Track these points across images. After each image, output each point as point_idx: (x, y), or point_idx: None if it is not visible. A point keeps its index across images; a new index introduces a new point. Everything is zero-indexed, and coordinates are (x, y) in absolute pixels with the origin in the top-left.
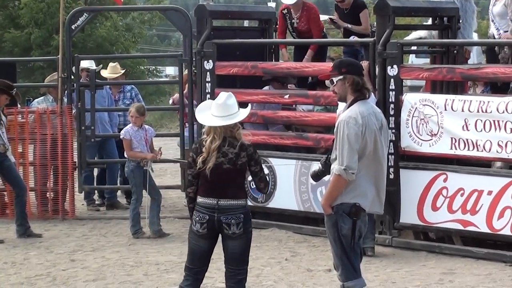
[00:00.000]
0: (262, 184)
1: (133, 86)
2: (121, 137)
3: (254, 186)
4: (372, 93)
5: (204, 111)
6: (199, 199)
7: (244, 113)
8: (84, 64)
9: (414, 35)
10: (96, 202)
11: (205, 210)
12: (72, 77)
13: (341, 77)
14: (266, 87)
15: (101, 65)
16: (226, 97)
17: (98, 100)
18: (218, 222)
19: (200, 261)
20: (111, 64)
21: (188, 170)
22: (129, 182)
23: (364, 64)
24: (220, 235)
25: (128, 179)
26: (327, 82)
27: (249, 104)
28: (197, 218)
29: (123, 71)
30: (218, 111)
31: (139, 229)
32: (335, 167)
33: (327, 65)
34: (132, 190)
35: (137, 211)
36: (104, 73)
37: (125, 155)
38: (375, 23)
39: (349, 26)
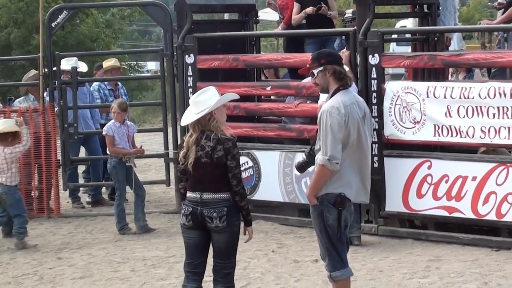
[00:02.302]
0: (235, 181)
1: (121, 83)
2: (103, 133)
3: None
4: (354, 83)
5: (187, 112)
6: (187, 194)
7: (214, 104)
8: (66, 66)
9: (401, 23)
10: (87, 200)
11: (190, 203)
12: (54, 75)
13: (321, 68)
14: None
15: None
16: (198, 93)
17: (79, 97)
18: (201, 215)
19: (196, 253)
20: (114, 59)
21: (177, 166)
22: (112, 178)
23: (345, 53)
24: None
25: (111, 175)
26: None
27: (231, 93)
28: (183, 211)
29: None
30: (193, 108)
31: (125, 225)
32: (319, 157)
33: (309, 55)
34: (115, 186)
35: (122, 207)
36: (107, 63)
37: (107, 152)
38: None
39: (331, 13)
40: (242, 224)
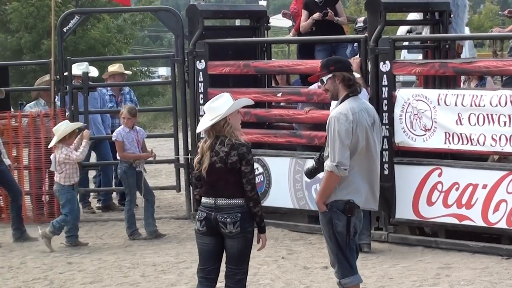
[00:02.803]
0: (249, 186)
1: (130, 88)
2: (113, 139)
3: (243, 188)
4: (365, 89)
5: (203, 118)
6: (202, 200)
7: (229, 109)
8: (77, 71)
9: (401, 30)
10: (97, 205)
11: (204, 209)
12: (65, 80)
13: (330, 75)
14: (314, 86)
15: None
16: (212, 100)
17: (90, 102)
18: (214, 220)
19: (210, 260)
20: (119, 64)
21: (192, 172)
22: (122, 183)
23: (356, 60)
24: None
25: (121, 181)
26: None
27: (245, 99)
28: (197, 217)
29: (128, 72)
30: (208, 114)
31: (135, 231)
32: (327, 163)
33: (319, 62)
34: (125, 192)
35: (132, 213)
36: (111, 68)
37: (117, 157)
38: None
39: (338, 19)
40: (255, 231)
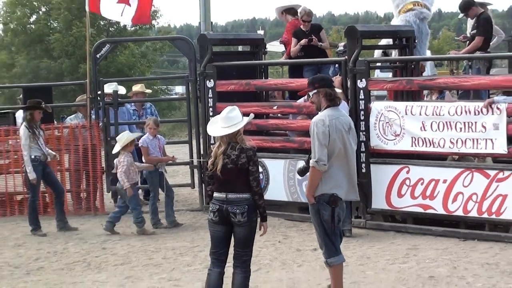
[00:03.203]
0: (255, 183)
1: (151, 104)
2: (139, 145)
3: (249, 184)
4: (345, 102)
5: (213, 124)
6: (214, 194)
7: (242, 122)
8: (108, 90)
9: (377, 53)
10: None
11: (217, 202)
12: (98, 97)
13: (315, 91)
14: (301, 99)
15: (125, 91)
16: (228, 111)
17: (120, 116)
18: (226, 211)
19: (220, 245)
20: (141, 84)
21: (206, 173)
22: (147, 182)
23: (338, 78)
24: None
25: (147, 180)
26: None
27: (251, 114)
28: (211, 208)
29: (148, 91)
30: (222, 122)
31: (158, 221)
32: (310, 161)
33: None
34: (150, 189)
35: (155, 206)
36: (134, 88)
37: (143, 160)
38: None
39: (322, 44)
40: (258, 220)
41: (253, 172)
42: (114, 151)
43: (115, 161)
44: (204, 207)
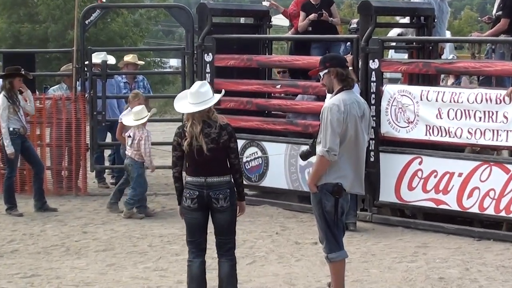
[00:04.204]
0: (236, 160)
1: (144, 76)
2: (119, 120)
3: (229, 162)
4: (356, 84)
5: (181, 100)
6: (189, 178)
7: (215, 98)
8: (97, 60)
9: (393, 32)
10: (111, 181)
11: (195, 187)
12: (86, 67)
13: (326, 71)
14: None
15: (115, 60)
16: (199, 86)
17: (108, 88)
18: (207, 197)
19: (199, 232)
20: (133, 55)
21: (173, 153)
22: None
23: (348, 58)
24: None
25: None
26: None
27: (222, 90)
28: (188, 195)
29: (141, 62)
30: (192, 98)
31: (115, 202)
32: (319, 149)
33: (315, 58)
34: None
35: (122, 188)
36: (126, 58)
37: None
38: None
39: (332, 20)
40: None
41: (234, 150)
42: (134, 124)
43: (127, 133)
44: None
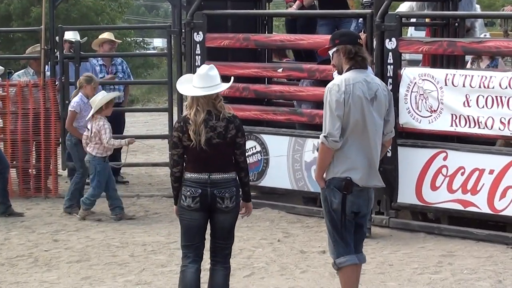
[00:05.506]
0: (242, 157)
1: (122, 59)
2: (70, 109)
3: (235, 159)
4: (369, 67)
5: (185, 83)
6: (188, 175)
7: (225, 84)
8: (68, 35)
9: (403, 7)
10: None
11: (197, 185)
12: (56, 49)
13: (335, 49)
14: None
15: (86, 38)
16: (208, 68)
17: (82, 73)
18: (211, 196)
19: (198, 235)
20: (108, 32)
21: (173, 150)
22: (72, 157)
23: (362, 36)
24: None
25: (71, 154)
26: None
27: (232, 77)
28: (188, 193)
29: (118, 41)
30: (200, 82)
31: (73, 204)
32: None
33: (323, 37)
34: (76, 166)
35: (79, 186)
36: (101, 36)
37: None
38: None
39: None
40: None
41: (241, 145)
42: (89, 115)
43: (88, 126)
44: None
